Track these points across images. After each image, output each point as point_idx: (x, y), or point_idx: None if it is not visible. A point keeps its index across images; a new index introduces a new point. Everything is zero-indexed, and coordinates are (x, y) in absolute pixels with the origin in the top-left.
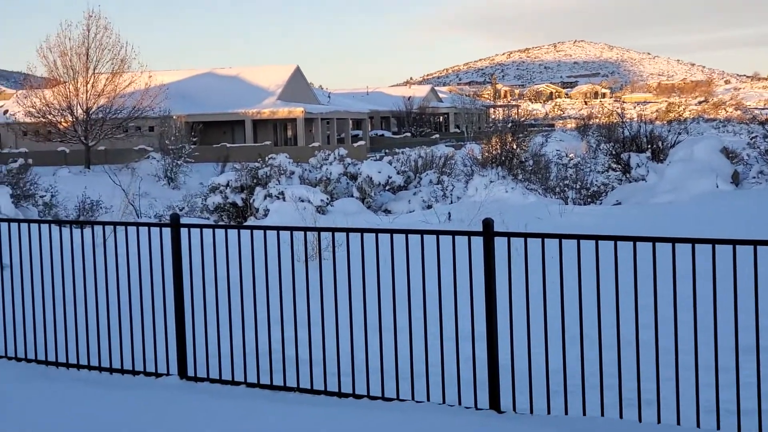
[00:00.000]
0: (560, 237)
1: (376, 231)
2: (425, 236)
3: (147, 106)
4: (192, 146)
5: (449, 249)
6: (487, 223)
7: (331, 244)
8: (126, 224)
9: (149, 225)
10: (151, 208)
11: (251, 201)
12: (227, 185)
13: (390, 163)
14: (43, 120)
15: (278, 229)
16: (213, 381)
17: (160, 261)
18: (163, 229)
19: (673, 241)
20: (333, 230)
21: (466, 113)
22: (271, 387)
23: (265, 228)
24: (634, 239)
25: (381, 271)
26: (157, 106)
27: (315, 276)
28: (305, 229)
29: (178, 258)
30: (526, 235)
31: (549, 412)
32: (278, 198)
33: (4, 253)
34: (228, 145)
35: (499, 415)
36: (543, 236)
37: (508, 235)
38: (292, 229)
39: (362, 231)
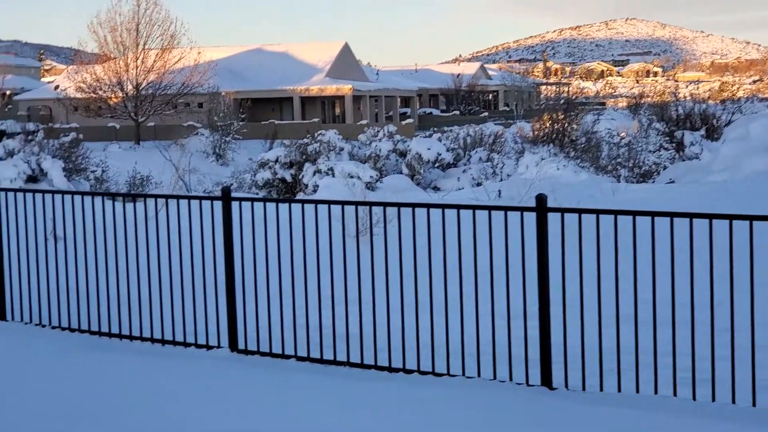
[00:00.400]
0: (615, 213)
1: (428, 206)
2: (477, 212)
3: (196, 82)
4: (240, 123)
5: (499, 226)
6: (541, 199)
7: (383, 219)
8: (178, 197)
9: (201, 198)
10: (200, 184)
11: (300, 177)
12: (276, 161)
13: (439, 140)
14: (94, 95)
15: (329, 203)
16: (263, 354)
17: (212, 235)
18: (214, 202)
19: (731, 218)
20: (385, 205)
21: (516, 91)
22: (321, 361)
23: (316, 202)
24: (691, 215)
25: (432, 246)
26: (206, 83)
27: (365, 251)
28: (358, 203)
29: (229, 232)
30: (580, 211)
31: (602, 390)
32: (327, 174)
33: (58, 226)
34: (276, 122)
35: (550, 392)
36: (597, 212)
37: (562, 210)
38: (343, 203)
39: (413, 206)
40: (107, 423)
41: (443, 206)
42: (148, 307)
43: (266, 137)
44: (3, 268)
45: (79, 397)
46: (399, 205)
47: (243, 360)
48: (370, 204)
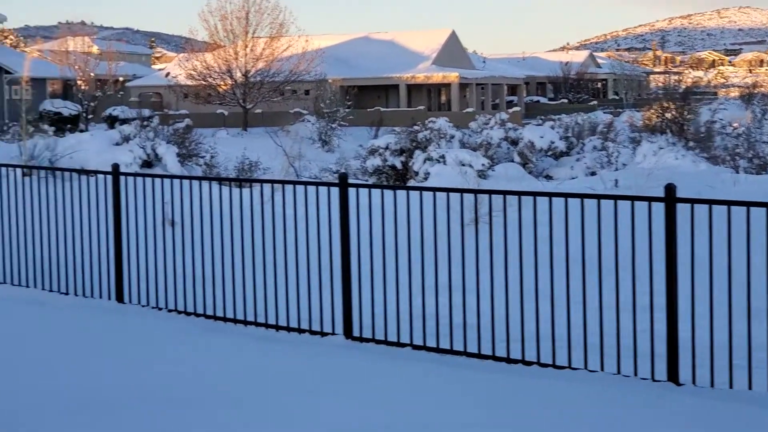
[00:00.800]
0: (748, 204)
1: (550, 195)
2: (602, 202)
3: (303, 70)
4: (346, 110)
5: (622, 216)
6: (670, 188)
7: (503, 207)
8: (295, 183)
9: (317, 184)
10: (306, 170)
11: (410, 164)
12: (386, 148)
13: (552, 128)
14: (204, 83)
15: (448, 191)
16: (378, 342)
17: (328, 221)
18: (324, 188)
19: None
20: (505, 193)
21: (626, 80)
22: (438, 350)
23: (434, 189)
24: None
25: (550, 236)
26: (313, 70)
27: (482, 239)
28: (476, 191)
29: (345, 218)
30: (710, 202)
31: (731, 386)
32: (438, 161)
33: (173, 211)
34: (382, 109)
35: (677, 388)
36: (729, 203)
37: (692, 201)
38: (462, 191)
39: (534, 194)
40: (229, 406)
41: (566, 195)
42: (262, 293)
43: (371, 124)
44: (122, 252)
45: (195, 377)
46: (520, 193)
47: (358, 347)
48: (491, 192)
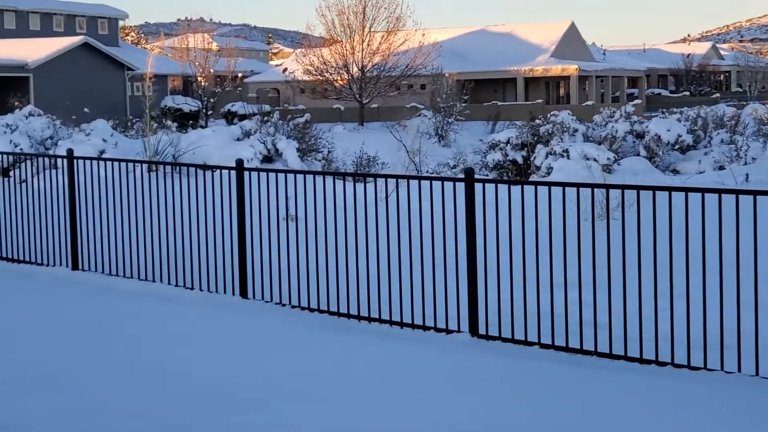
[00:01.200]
0: None
1: (686, 190)
2: (740, 197)
3: (420, 64)
4: (463, 104)
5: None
6: None
7: (635, 202)
8: (419, 178)
9: (443, 179)
10: (422, 166)
11: (532, 159)
12: (507, 142)
13: (679, 120)
14: (321, 78)
15: (578, 186)
16: (505, 340)
17: (453, 216)
18: (445, 183)
19: None
20: (653, 188)
21: (750, 72)
22: (566, 349)
23: (564, 184)
24: None
25: (686, 233)
26: (430, 64)
27: (610, 235)
28: (608, 186)
29: (472, 213)
30: None
31: None
32: (561, 156)
33: (293, 206)
34: (499, 103)
35: None
36: None
37: None
38: (593, 186)
39: (669, 189)
40: (361, 406)
41: (703, 190)
42: (387, 289)
43: (488, 118)
44: (245, 247)
45: (323, 375)
46: (653, 188)
47: (484, 345)
48: (624, 187)
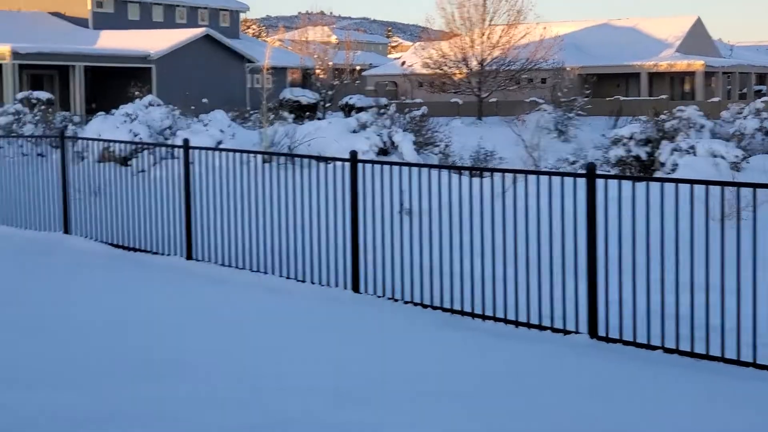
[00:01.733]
0: None
1: None
2: None
3: (540, 58)
4: (584, 99)
5: None
6: None
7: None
8: (539, 173)
9: (563, 174)
10: (541, 161)
11: (656, 155)
12: (631, 138)
13: None
14: (439, 71)
15: (707, 183)
16: (626, 343)
17: (573, 213)
18: (565, 180)
19: None
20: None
21: None
22: (692, 354)
23: (691, 182)
24: None
25: None
26: (551, 58)
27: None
28: (738, 185)
29: (593, 210)
30: None
31: None
32: (687, 152)
33: (408, 199)
34: (621, 98)
35: None
36: None
37: None
38: (723, 183)
39: None
40: (460, 402)
41: None
42: (502, 287)
43: (610, 114)
44: (358, 240)
45: (433, 373)
46: None
47: (603, 348)
48: (758, 186)
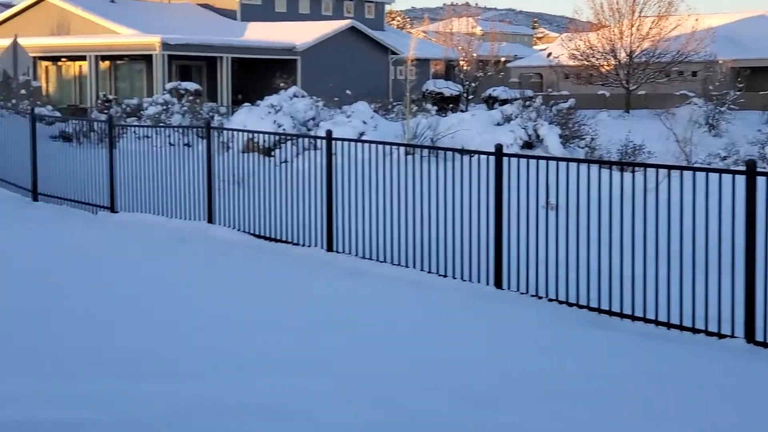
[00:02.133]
0: None
1: None
2: None
3: (692, 50)
4: (737, 93)
5: None
6: None
7: None
8: (693, 169)
9: (720, 171)
10: (692, 155)
11: None
12: None
13: None
14: (586, 63)
15: None
16: None
17: (731, 211)
18: (727, 177)
19: None
20: None
21: None
22: None
23: None
24: None
25: None
26: (702, 51)
27: None
28: None
29: (752, 209)
30: None
31: None
32: None
33: (554, 194)
34: None
35: None
36: None
37: None
38: None
39: None
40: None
41: None
42: (653, 286)
43: (765, 108)
44: (501, 236)
45: (578, 374)
46: None
47: (761, 353)
48: None
